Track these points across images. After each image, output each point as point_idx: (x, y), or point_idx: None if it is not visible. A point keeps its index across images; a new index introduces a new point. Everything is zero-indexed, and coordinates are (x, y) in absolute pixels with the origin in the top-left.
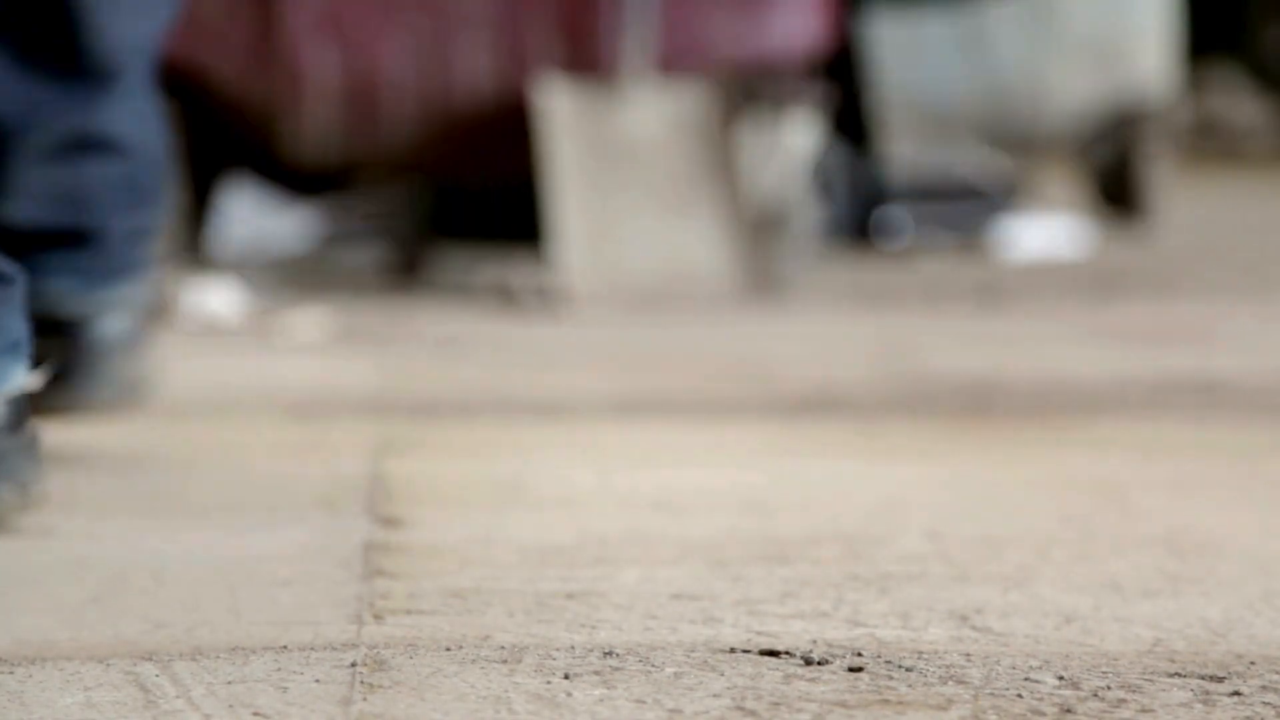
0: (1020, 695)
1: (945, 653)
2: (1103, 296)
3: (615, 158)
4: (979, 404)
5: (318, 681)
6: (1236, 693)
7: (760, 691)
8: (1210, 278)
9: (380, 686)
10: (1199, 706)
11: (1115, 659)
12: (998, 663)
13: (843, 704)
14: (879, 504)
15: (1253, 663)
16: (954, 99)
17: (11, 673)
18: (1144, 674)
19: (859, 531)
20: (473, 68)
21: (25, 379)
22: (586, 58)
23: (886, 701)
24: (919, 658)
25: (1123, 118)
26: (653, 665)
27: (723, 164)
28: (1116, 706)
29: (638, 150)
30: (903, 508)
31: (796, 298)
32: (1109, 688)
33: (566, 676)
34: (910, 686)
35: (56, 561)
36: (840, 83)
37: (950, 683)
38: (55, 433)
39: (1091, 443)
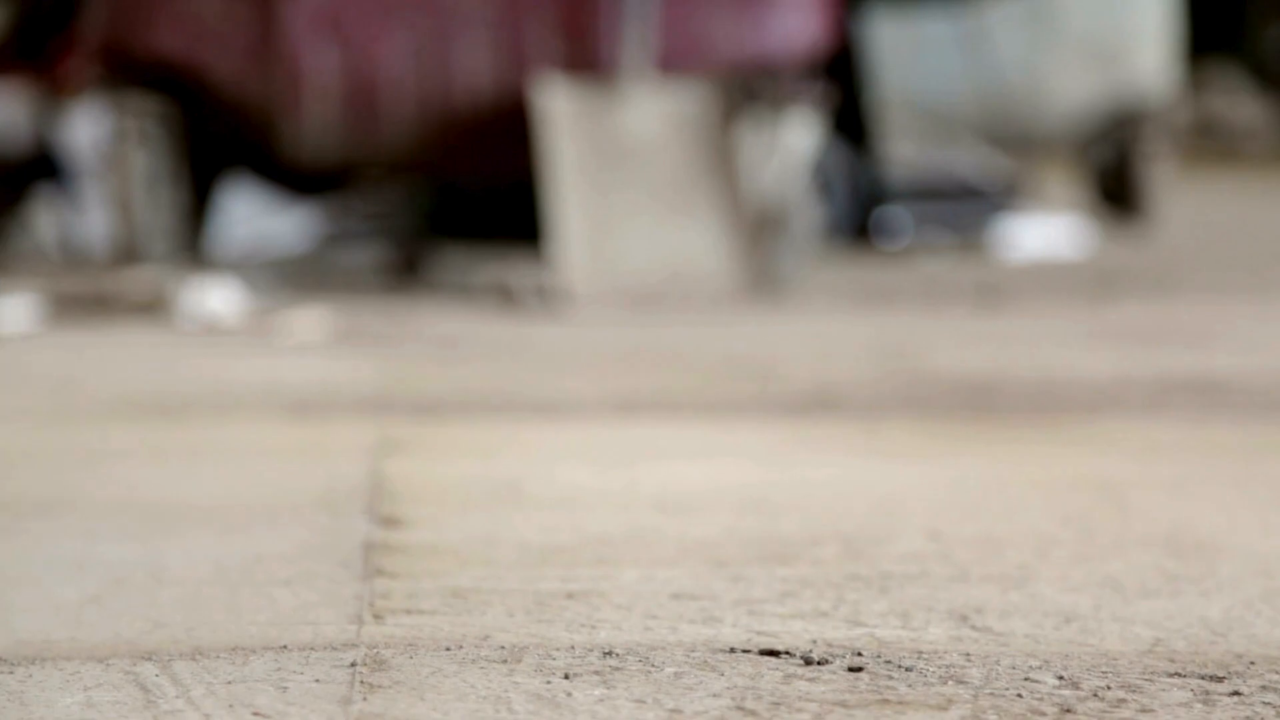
0: (1020, 695)
1: (945, 653)
2: (1102, 296)
3: (615, 157)
4: (979, 404)
5: (318, 681)
6: (1236, 692)
7: (760, 691)
8: (1210, 278)
9: (380, 686)
10: (1199, 706)
11: (1115, 659)
12: (998, 663)
13: (843, 704)
14: (879, 504)
15: (1253, 663)
16: (954, 99)
17: (11, 673)
18: (1144, 674)
19: (859, 531)
20: (473, 68)
21: None
22: (586, 57)
23: (886, 701)
24: (919, 658)
25: (1123, 118)
26: (653, 665)
27: (723, 164)
28: (1116, 706)
29: (638, 150)
30: (902, 507)
31: (796, 297)
32: (1109, 687)
33: (566, 676)
34: (910, 686)
35: (56, 561)
36: (840, 83)
37: (950, 683)
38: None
39: (1091, 442)
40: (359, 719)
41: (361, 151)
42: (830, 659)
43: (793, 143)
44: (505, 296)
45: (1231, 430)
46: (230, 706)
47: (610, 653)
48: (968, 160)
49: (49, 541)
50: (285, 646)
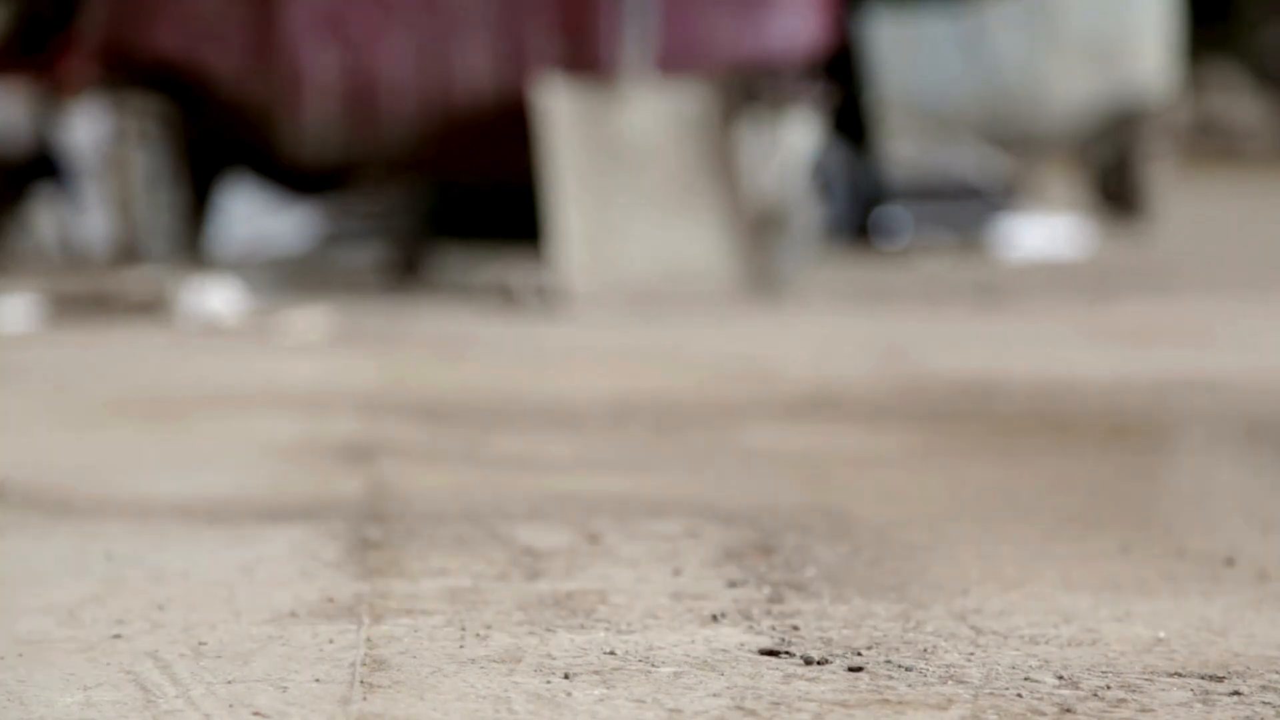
0: (1020, 695)
1: (945, 652)
2: (1102, 296)
3: (615, 158)
4: (979, 403)
5: (318, 681)
6: (1236, 692)
7: (760, 691)
8: (1210, 277)
9: (380, 686)
10: (1199, 706)
11: (1115, 659)
12: (998, 663)
13: (843, 704)
14: (879, 503)
15: (1253, 663)
16: (954, 99)
17: (12, 672)
18: (1144, 674)
19: (859, 531)
20: (473, 68)
21: None
22: (586, 58)
23: (886, 701)
24: (919, 657)
25: (1122, 118)
26: (653, 665)
27: (723, 164)
28: (1116, 706)
29: (638, 150)
30: (902, 507)
31: (796, 297)
32: (1109, 687)
33: (566, 676)
34: (910, 686)
35: (56, 560)
36: (840, 83)
37: (950, 682)
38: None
39: (1091, 441)
40: (359, 719)
41: (361, 151)
42: (830, 659)
43: (793, 143)
44: (505, 296)
45: (1232, 430)
46: (230, 706)
47: (610, 653)
48: (968, 160)
49: (48, 541)
50: (285, 646)
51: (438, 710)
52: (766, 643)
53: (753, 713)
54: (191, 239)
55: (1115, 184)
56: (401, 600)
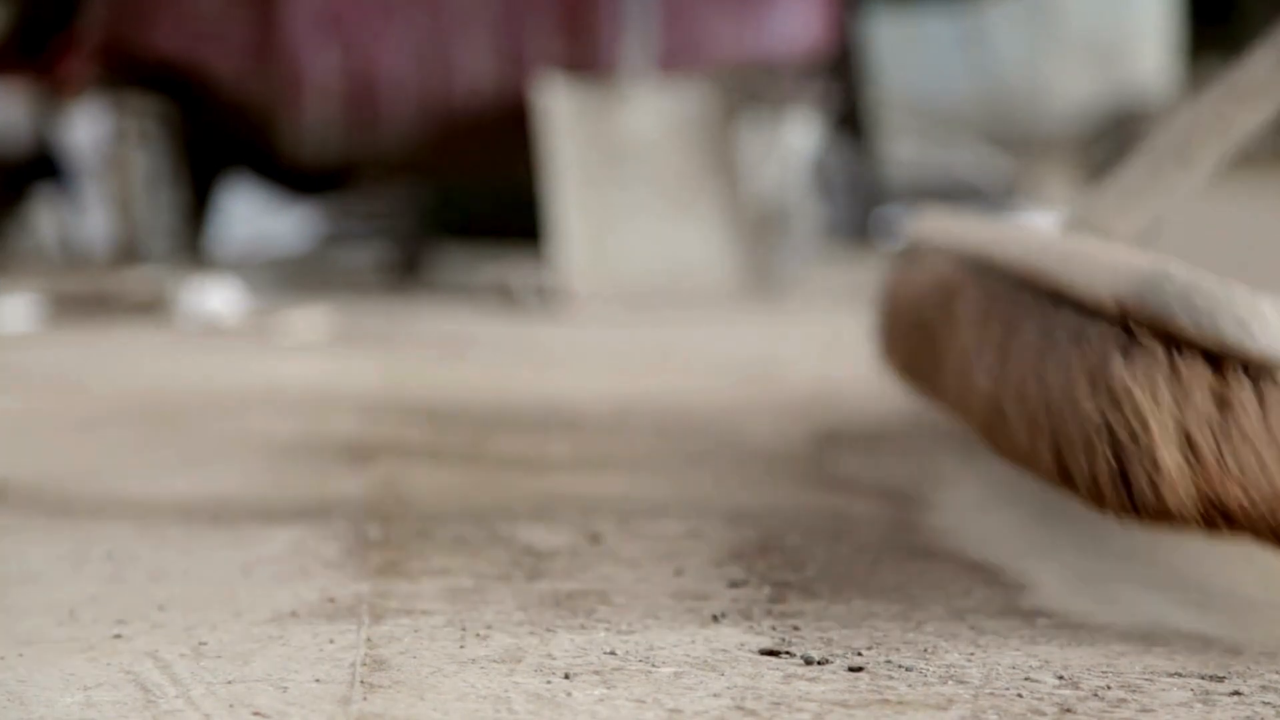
0: (1020, 695)
1: (945, 652)
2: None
3: (615, 157)
4: None
5: (318, 681)
6: (1236, 692)
7: (760, 691)
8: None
9: (380, 686)
10: (1199, 706)
11: (1115, 658)
12: (998, 662)
13: (843, 704)
14: (879, 503)
15: (1253, 663)
16: (954, 99)
17: (12, 672)
18: (1144, 673)
19: (859, 531)
20: (473, 68)
21: None
22: (586, 57)
23: (886, 701)
24: (919, 657)
25: (1123, 118)
26: (653, 665)
27: (723, 164)
28: (1116, 706)
29: (638, 150)
30: (903, 507)
31: (796, 297)
32: (1109, 687)
33: (566, 676)
34: (910, 686)
35: (56, 561)
36: (840, 83)
37: (950, 682)
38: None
39: None
40: (359, 719)
41: (361, 151)
42: (830, 659)
43: (793, 143)
44: (505, 296)
45: None
46: (230, 706)
47: (610, 653)
48: (968, 160)
49: (49, 541)
50: (285, 646)
51: (438, 710)
52: (767, 643)
53: (753, 713)
54: (191, 239)
55: None
56: (402, 600)
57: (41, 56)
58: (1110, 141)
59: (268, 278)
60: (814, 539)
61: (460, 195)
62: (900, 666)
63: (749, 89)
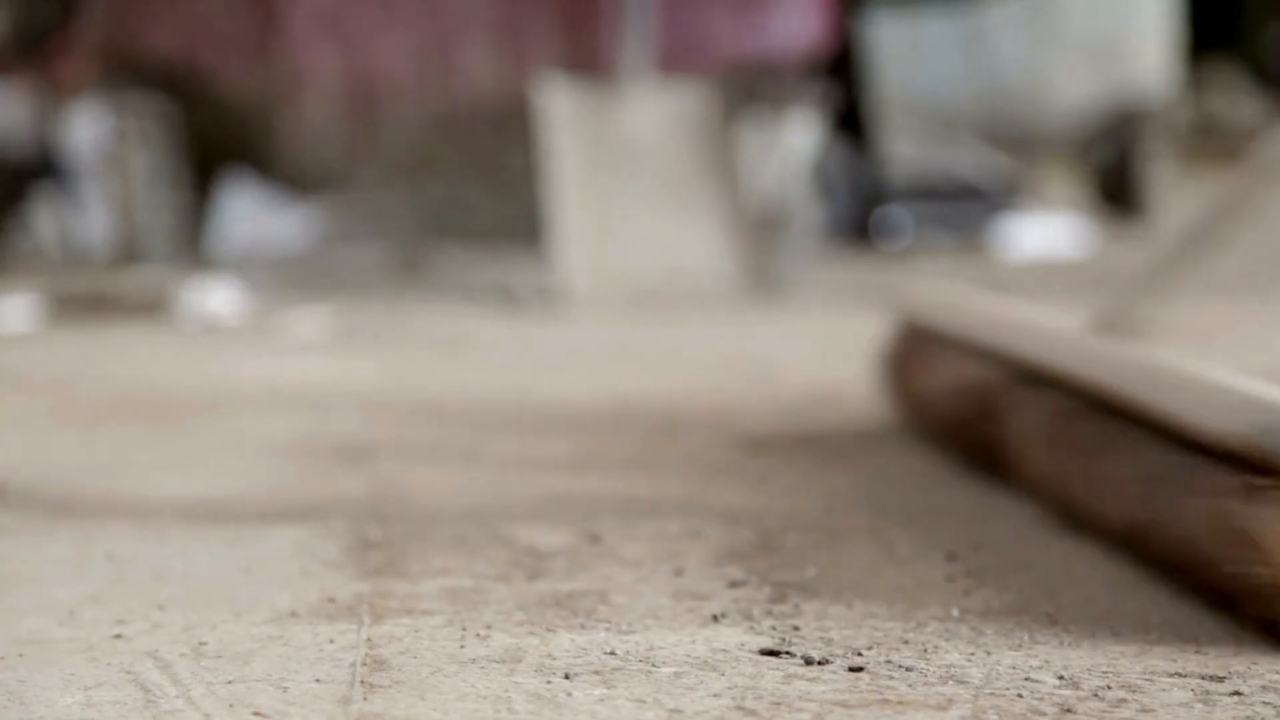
0: (1020, 695)
1: (945, 652)
2: (1103, 296)
3: (615, 157)
4: None
5: (318, 681)
6: (1236, 693)
7: (760, 691)
8: (1210, 278)
9: (380, 686)
10: (1199, 706)
11: (1115, 659)
12: (998, 663)
13: (843, 704)
14: (879, 503)
15: (1253, 663)
16: (954, 99)
17: (12, 672)
18: (1144, 674)
19: (859, 531)
20: (473, 67)
21: None
22: (587, 57)
23: (887, 701)
24: (919, 657)
25: (1123, 118)
26: (653, 665)
27: (723, 164)
28: (1116, 706)
29: (638, 150)
30: (902, 507)
31: (796, 297)
32: (1109, 687)
33: (566, 676)
34: (910, 686)
35: (56, 561)
36: (840, 83)
37: (950, 682)
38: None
39: None
40: (359, 719)
41: (362, 151)
42: (831, 659)
43: (793, 143)
44: (505, 296)
45: None
46: (230, 706)
47: (610, 653)
48: (968, 160)
49: (48, 540)
50: (285, 646)
51: (438, 710)
52: (767, 642)
53: (753, 713)
54: (191, 239)
55: (1115, 184)
56: (402, 600)
57: (41, 56)
58: (1110, 141)
59: (268, 278)
60: (815, 538)
61: (460, 195)
62: (900, 666)
63: (749, 89)
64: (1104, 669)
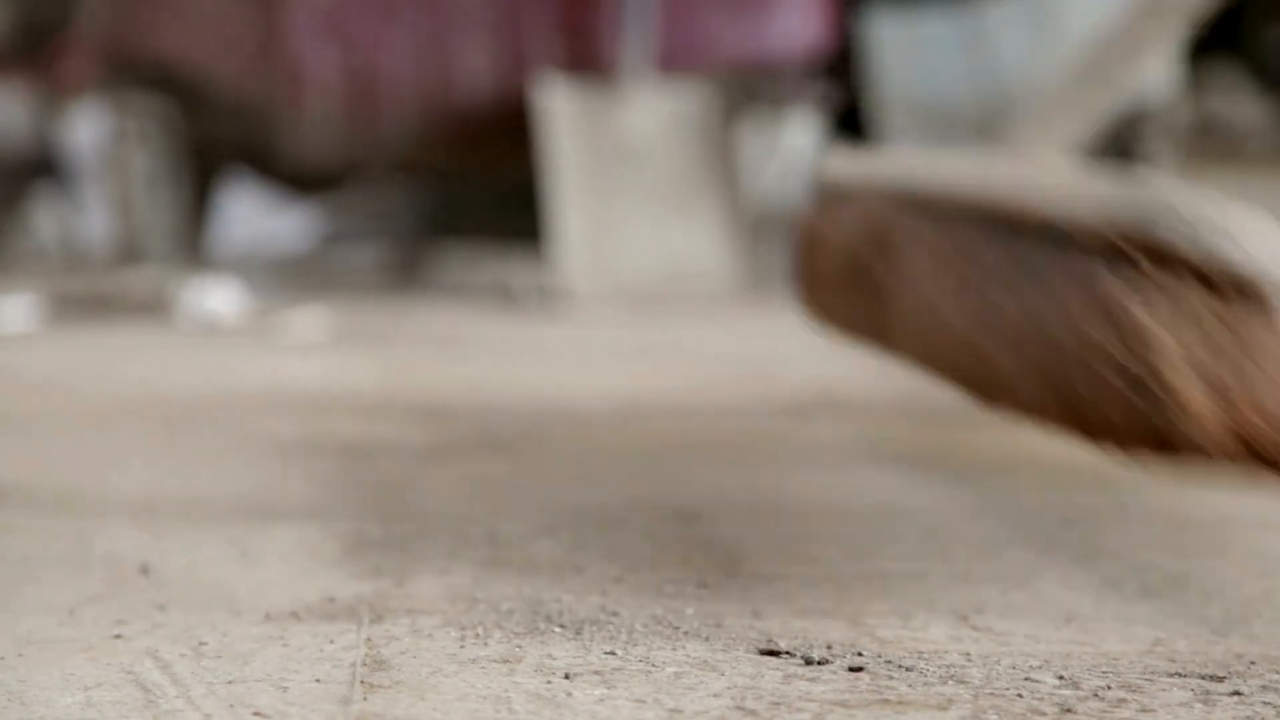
0: (1020, 695)
1: (945, 652)
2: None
3: (615, 157)
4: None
5: (318, 681)
6: (1236, 692)
7: (760, 691)
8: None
9: (380, 686)
10: (1199, 706)
11: (1115, 659)
12: (998, 662)
13: (843, 704)
14: (879, 504)
15: (1253, 663)
16: (954, 99)
17: (12, 672)
18: (1144, 674)
19: (859, 531)
20: (473, 68)
21: None
22: (586, 57)
23: (887, 701)
24: (919, 657)
25: (1123, 118)
26: (653, 665)
27: (723, 164)
28: (1116, 706)
29: (638, 150)
30: (903, 507)
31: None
32: (1109, 687)
33: (566, 676)
34: (910, 686)
35: (56, 561)
36: (840, 83)
37: (950, 682)
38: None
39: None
40: (359, 719)
41: (362, 151)
42: (831, 659)
43: (793, 143)
44: (505, 296)
45: None
46: (230, 706)
47: (610, 653)
48: None
49: (49, 540)
50: (285, 646)
51: (438, 710)
52: (766, 642)
53: (753, 713)
54: (191, 239)
55: None
56: (402, 600)
57: (41, 56)
58: (1110, 141)
59: (268, 278)
60: (818, 538)
61: (460, 195)
62: (900, 666)
63: (749, 89)
64: (1104, 669)
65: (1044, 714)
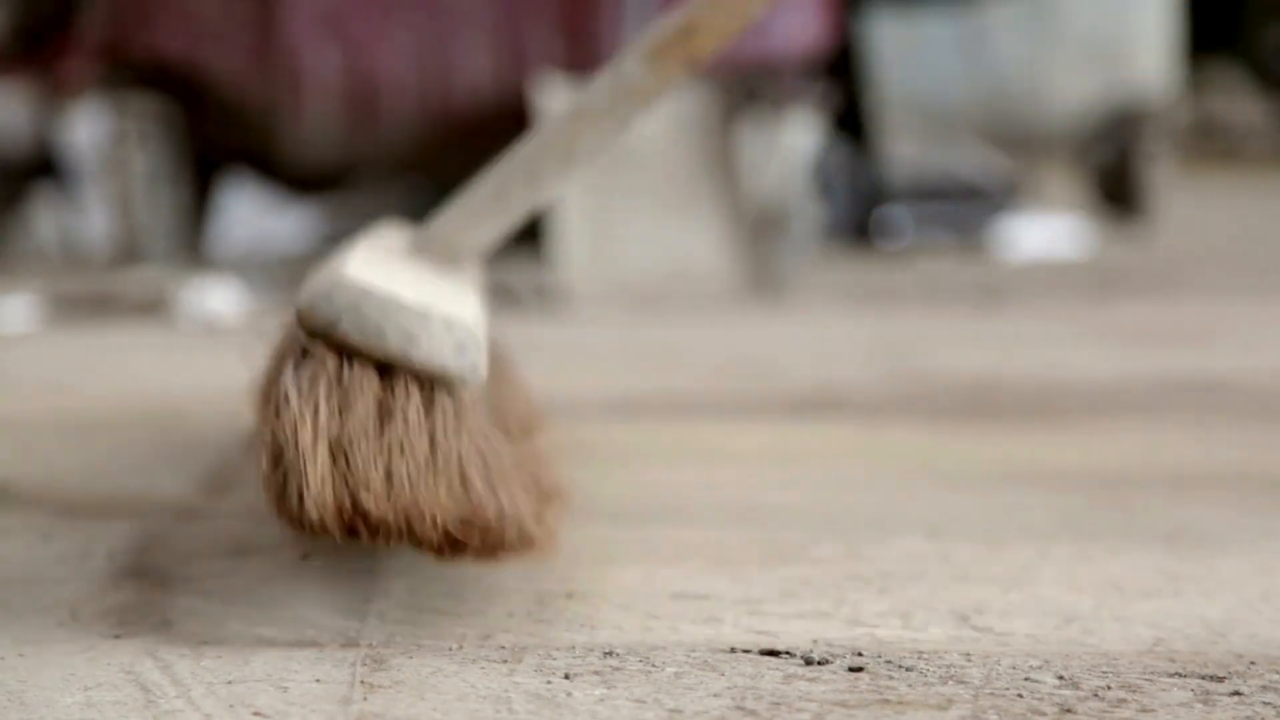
0: (1020, 695)
1: (945, 653)
2: (1103, 296)
3: (615, 157)
4: (979, 404)
5: (318, 681)
6: (1236, 693)
7: (760, 691)
8: (1210, 278)
9: (380, 686)
10: (1199, 706)
11: (1115, 659)
12: (998, 663)
13: (843, 704)
14: (879, 504)
15: (1253, 663)
16: (954, 99)
17: (12, 673)
18: (1144, 674)
19: (859, 531)
20: (473, 68)
21: None
22: (586, 58)
23: (886, 701)
24: (919, 657)
25: (1123, 118)
26: (653, 665)
27: (723, 164)
28: (1116, 706)
29: (638, 150)
30: (903, 507)
31: (796, 297)
32: (1109, 687)
33: (566, 676)
34: (910, 686)
35: (56, 561)
36: (840, 83)
37: (950, 682)
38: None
39: (1091, 442)
40: (359, 719)
41: (362, 151)
42: (830, 659)
43: (793, 143)
44: (505, 296)
45: (1232, 430)
46: (230, 706)
47: (610, 653)
48: (968, 160)
49: (50, 541)
50: (285, 646)
51: (438, 710)
52: (767, 643)
53: (753, 713)
54: (191, 239)
55: (1115, 184)
56: (403, 599)
57: (41, 56)
58: (1110, 141)
59: (268, 278)
60: (814, 538)
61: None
62: (900, 666)
63: (749, 89)
64: (1104, 669)
65: (1044, 714)
